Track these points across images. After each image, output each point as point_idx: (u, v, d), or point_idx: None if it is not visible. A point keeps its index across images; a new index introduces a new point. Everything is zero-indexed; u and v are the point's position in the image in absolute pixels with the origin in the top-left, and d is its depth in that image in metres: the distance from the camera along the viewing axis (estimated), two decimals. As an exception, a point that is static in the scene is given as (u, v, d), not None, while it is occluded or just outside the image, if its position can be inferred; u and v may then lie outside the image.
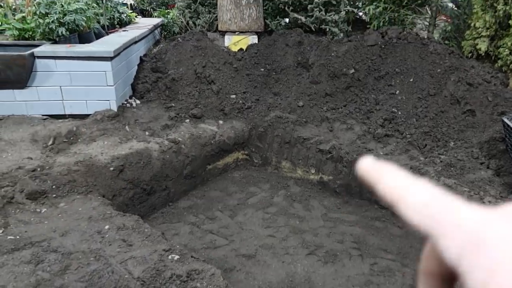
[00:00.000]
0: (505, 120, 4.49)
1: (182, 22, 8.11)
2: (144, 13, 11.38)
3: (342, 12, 7.26)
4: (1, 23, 6.26)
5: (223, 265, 3.96)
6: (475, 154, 4.76)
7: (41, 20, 5.51)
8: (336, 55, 6.30)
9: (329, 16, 7.10)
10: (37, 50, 5.34)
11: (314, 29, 7.19)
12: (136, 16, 8.66)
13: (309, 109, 6.05)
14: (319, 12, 7.06)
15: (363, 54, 6.20)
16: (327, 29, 7.18)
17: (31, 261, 3.03)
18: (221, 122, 5.90)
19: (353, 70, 6.10)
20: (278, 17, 7.67)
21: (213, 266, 3.22)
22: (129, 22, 8.03)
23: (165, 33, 8.30)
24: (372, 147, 5.29)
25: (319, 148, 5.46)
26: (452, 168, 4.62)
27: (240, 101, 6.19)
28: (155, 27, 8.05)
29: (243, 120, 6.02)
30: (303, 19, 7.13)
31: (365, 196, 5.15)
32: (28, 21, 5.88)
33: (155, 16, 10.13)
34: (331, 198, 5.29)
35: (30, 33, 5.85)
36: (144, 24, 7.87)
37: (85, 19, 5.82)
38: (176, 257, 3.21)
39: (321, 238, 4.50)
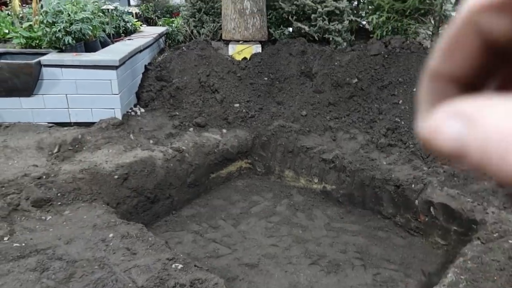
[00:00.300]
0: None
1: (186, 31, 8.17)
2: (149, 22, 11.46)
3: (345, 22, 7.30)
4: (9, 31, 6.33)
5: (226, 274, 3.97)
6: (478, 165, 4.77)
7: (48, 29, 5.57)
8: (339, 64, 6.33)
9: (333, 25, 7.14)
10: (43, 59, 5.39)
11: (317, 39, 7.23)
12: (141, 25, 8.73)
13: (312, 118, 6.07)
14: (323, 21, 7.10)
15: (366, 63, 6.22)
16: (331, 39, 7.22)
17: (36, 269, 3.06)
18: (224, 131, 5.93)
19: (356, 80, 6.13)
20: (281, 26, 7.72)
21: (216, 276, 3.24)
22: (134, 30, 8.09)
23: (170, 41, 8.36)
24: (375, 156, 5.31)
25: (322, 158, 5.49)
26: (455, 178, 4.63)
27: (244, 110, 6.23)
28: (160, 35, 8.12)
29: (247, 129, 6.05)
30: (306, 28, 7.17)
31: (368, 206, 5.16)
32: (35, 30, 5.94)
33: (160, 25, 10.20)
34: (334, 208, 5.30)
35: (37, 41, 5.91)
36: (149, 33, 7.94)
37: (91, 28, 5.88)
38: (180, 266, 3.23)
39: (324, 247, 4.51)
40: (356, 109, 6.01)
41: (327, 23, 7.15)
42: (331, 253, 4.41)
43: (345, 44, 7.30)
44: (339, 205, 5.33)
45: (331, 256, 4.35)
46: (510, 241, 3.58)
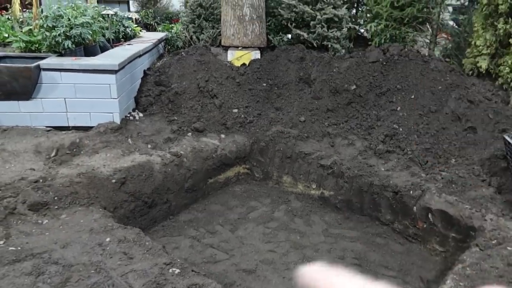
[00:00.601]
0: (507, 137, 4.51)
1: (186, 36, 8.18)
2: (148, 28, 11.48)
3: (344, 29, 7.32)
4: (8, 35, 6.33)
5: (223, 280, 3.94)
6: (477, 171, 4.77)
7: (47, 33, 5.58)
8: (338, 71, 6.35)
9: (331, 32, 7.16)
10: (43, 63, 5.39)
11: (316, 45, 7.25)
12: (140, 30, 8.74)
13: (311, 124, 6.08)
14: (322, 28, 7.12)
15: (365, 70, 6.24)
16: (329, 46, 7.23)
17: (32, 273, 3.03)
18: (223, 136, 5.93)
19: (354, 86, 6.14)
20: (280, 33, 7.74)
21: (214, 281, 3.22)
22: (134, 36, 8.11)
23: (169, 47, 8.37)
24: (373, 163, 5.31)
25: (320, 163, 5.48)
26: (453, 185, 4.63)
27: (242, 116, 6.23)
28: (159, 41, 8.13)
29: (245, 134, 6.04)
30: (305, 35, 7.19)
31: (366, 212, 5.15)
32: (35, 34, 5.95)
33: (159, 31, 10.22)
34: (332, 214, 5.28)
35: (37, 45, 5.92)
36: (148, 38, 7.95)
37: (91, 32, 5.89)
38: (177, 271, 3.20)
39: (322, 253, 4.49)
40: (354, 116, 6.02)
41: (326, 30, 7.17)
42: (329, 259, 4.39)
43: (343, 51, 7.32)
44: (337, 211, 5.31)
45: (329, 262, 4.31)
46: (509, 248, 3.57)
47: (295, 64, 6.69)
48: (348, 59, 6.52)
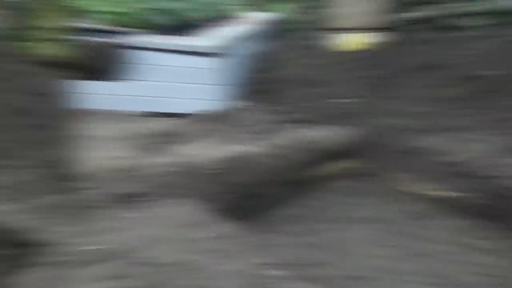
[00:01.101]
0: None
1: (292, 19, 7.80)
2: (253, 7, 11.27)
3: (479, 4, 6.52)
4: (98, 7, 6.19)
5: (328, 287, 3.56)
6: None
7: (141, 7, 5.36)
8: (469, 53, 5.72)
9: (464, 8, 6.42)
10: (135, 40, 5.23)
11: (444, 25, 6.55)
12: (243, 10, 8.40)
13: (433, 115, 5.50)
14: (452, 4, 6.42)
15: (507, 53, 5.56)
16: (461, 24, 6.49)
17: (115, 275, 2.83)
18: (328, 127, 5.58)
19: (491, 72, 5.43)
20: (402, 12, 7.11)
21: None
22: (237, 16, 7.80)
23: (276, 31, 8.02)
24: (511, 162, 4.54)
25: (443, 161, 4.87)
26: None
27: (351, 106, 5.86)
28: (264, 23, 7.77)
29: (352, 126, 5.63)
30: (432, 13, 6.56)
31: (505, 220, 4.39)
32: (127, 8, 5.75)
33: (266, 11, 9.89)
34: (456, 219, 4.61)
35: (129, 20, 5.70)
36: (252, 20, 7.62)
37: (189, 9, 5.63)
38: (279, 273, 3.01)
39: (446, 265, 3.90)
40: (489, 107, 5.32)
41: (457, 6, 6.44)
42: (454, 273, 3.78)
43: (478, 30, 6.50)
44: (464, 216, 4.62)
45: (455, 276, 3.73)
46: None
47: (417, 47, 6.20)
48: (484, 40, 5.85)
